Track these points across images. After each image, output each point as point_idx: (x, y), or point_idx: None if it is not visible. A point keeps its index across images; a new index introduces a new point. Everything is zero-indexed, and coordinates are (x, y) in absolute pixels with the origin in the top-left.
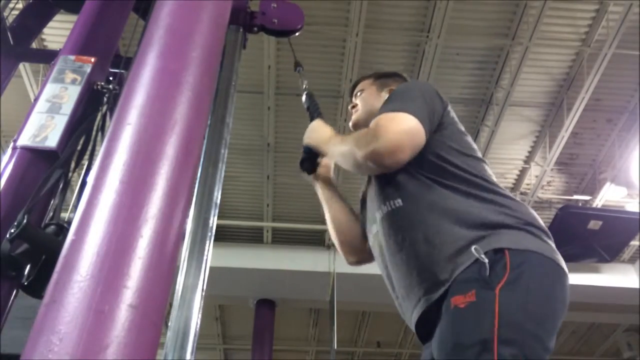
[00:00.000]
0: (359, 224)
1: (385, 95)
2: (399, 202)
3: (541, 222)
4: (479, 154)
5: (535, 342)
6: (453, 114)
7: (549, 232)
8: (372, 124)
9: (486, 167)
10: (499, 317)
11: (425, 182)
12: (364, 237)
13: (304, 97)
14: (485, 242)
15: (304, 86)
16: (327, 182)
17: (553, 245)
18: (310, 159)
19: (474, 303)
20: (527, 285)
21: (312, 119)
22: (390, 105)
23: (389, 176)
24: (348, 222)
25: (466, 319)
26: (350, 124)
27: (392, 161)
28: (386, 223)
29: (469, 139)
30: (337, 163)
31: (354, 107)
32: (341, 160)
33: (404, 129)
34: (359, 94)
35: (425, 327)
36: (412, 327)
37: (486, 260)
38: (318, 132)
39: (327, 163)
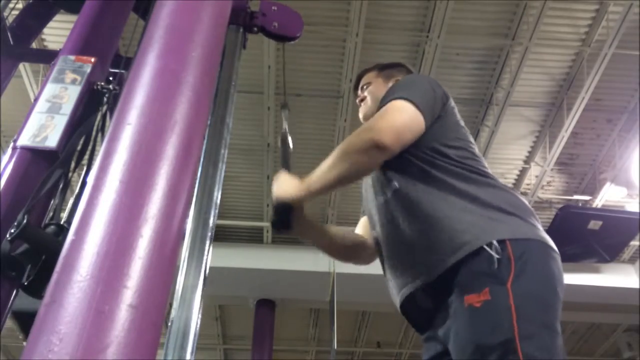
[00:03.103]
0: (354, 237)
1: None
2: (395, 185)
3: (528, 205)
4: (473, 146)
5: (551, 331)
6: (454, 104)
7: (535, 215)
8: (378, 112)
9: (479, 158)
10: (516, 314)
11: (421, 171)
12: (363, 243)
13: (280, 139)
14: (485, 231)
15: (283, 129)
16: (308, 226)
17: (541, 227)
18: (284, 214)
19: (489, 302)
20: (533, 275)
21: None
22: (391, 96)
23: (386, 164)
24: (345, 247)
25: (484, 319)
26: (360, 116)
27: (390, 142)
28: (386, 208)
29: (465, 130)
30: (332, 183)
31: (362, 100)
32: (338, 169)
33: (401, 113)
34: (365, 87)
35: (423, 315)
36: (398, 305)
37: (494, 254)
38: (289, 182)
39: (300, 210)
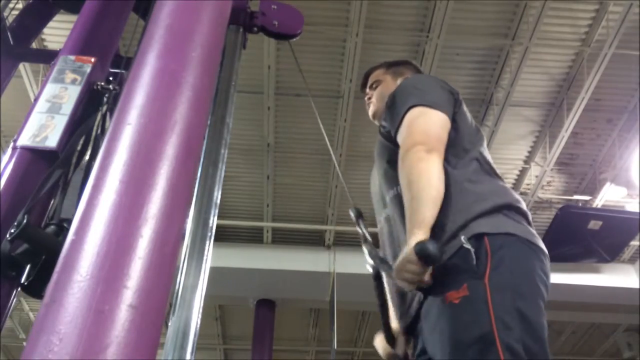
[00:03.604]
0: None
1: None
2: (398, 188)
3: (520, 204)
4: (480, 138)
5: (530, 322)
6: (461, 98)
7: (527, 215)
8: (399, 137)
9: (485, 154)
10: (493, 307)
11: None
12: None
13: (369, 257)
14: (468, 229)
15: (366, 239)
16: None
17: (529, 227)
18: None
19: (467, 297)
20: (510, 268)
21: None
22: (407, 100)
23: (389, 164)
24: None
25: (463, 315)
26: (370, 114)
27: (435, 145)
28: (391, 207)
29: (473, 123)
30: (433, 203)
31: (370, 98)
32: (423, 191)
33: (425, 118)
34: (374, 85)
35: (405, 309)
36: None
37: (472, 248)
38: (405, 256)
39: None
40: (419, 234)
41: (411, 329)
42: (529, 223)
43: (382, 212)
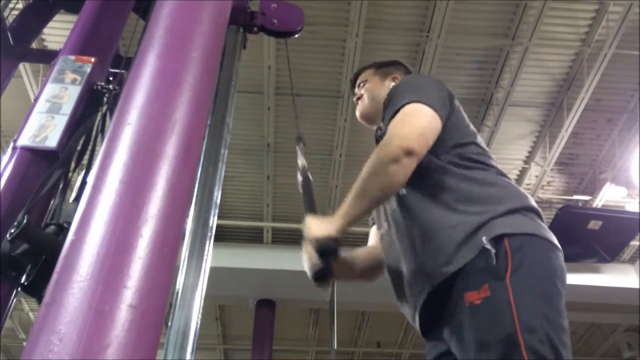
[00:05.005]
0: (377, 256)
1: (389, 84)
2: (402, 191)
3: (533, 202)
4: (481, 142)
5: (553, 323)
6: (458, 103)
7: (540, 213)
8: (390, 126)
9: (487, 153)
10: (516, 308)
11: (427, 171)
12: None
13: (299, 178)
14: (485, 229)
15: (301, 166)
16: (347, 269)
17: (544, 224)
18: (328, 256)
19: (489, 298)
20: (530, 268)
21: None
22: (404, 97)
23: None
24: (372, 270)
25: (485, 316)
26: (357, 114)
27: (418, 146)
28: (396, 212)
29: (471, 125)
30: (369, 204)
31: (358, 98)
32: (373, 186)
33: (420, 117)
34: (362, 84)
35: (427, 317)
36: (416, 318)
37: (493, 250)
38: (320, 222)
39: (340, 257)
40: (336, 224)
41: (427, 331)
42: (542, 220)
43: (384, 216)
